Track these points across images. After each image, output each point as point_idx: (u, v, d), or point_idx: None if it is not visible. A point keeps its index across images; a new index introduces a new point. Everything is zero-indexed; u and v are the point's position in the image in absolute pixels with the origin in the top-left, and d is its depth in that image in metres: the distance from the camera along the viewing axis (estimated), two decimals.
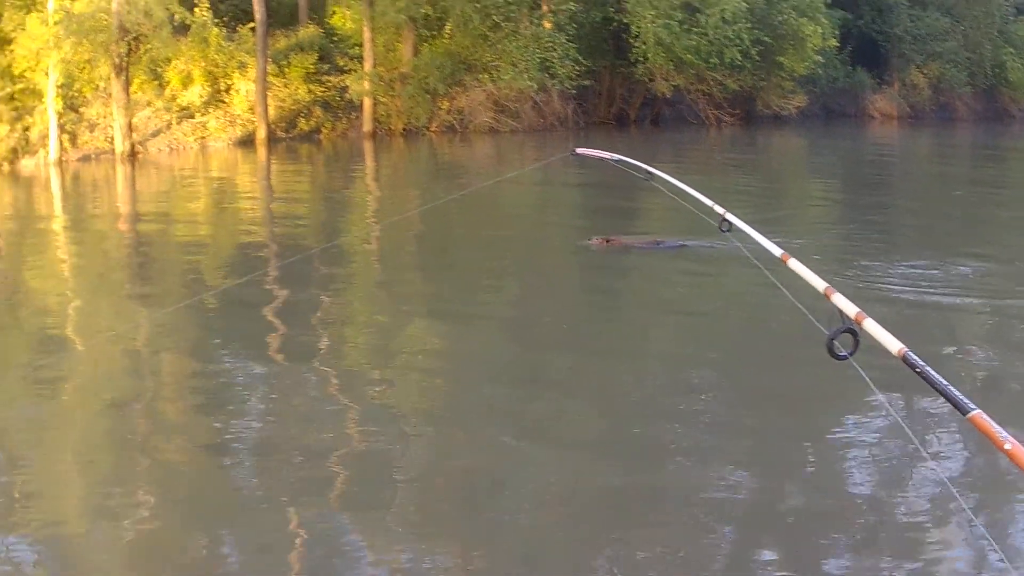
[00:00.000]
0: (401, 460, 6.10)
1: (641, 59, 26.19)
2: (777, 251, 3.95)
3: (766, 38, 25.76)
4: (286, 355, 8.43)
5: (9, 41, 29.07)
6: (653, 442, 6.25)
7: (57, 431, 6.72)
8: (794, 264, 3.64)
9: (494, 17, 26.34)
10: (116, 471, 6.05)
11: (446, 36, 27.83)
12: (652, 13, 25.41)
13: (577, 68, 26.03)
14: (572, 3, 26.72)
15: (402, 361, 8.09)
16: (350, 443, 6.44)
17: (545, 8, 27.26)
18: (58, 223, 19.08)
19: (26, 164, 29.01)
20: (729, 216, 4.55)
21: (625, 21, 26.40)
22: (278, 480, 5.81)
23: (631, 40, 26.42)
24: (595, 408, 6.96)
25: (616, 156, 6.54)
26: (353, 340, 8.92)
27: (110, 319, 9.71)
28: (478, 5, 26.25)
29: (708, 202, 4.96)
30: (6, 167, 28.74)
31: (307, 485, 5.72)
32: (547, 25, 26.72)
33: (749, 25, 25.34)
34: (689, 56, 25.70)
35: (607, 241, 11.98)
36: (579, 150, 7.34)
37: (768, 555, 5.00)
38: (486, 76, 26.57)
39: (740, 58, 25.46)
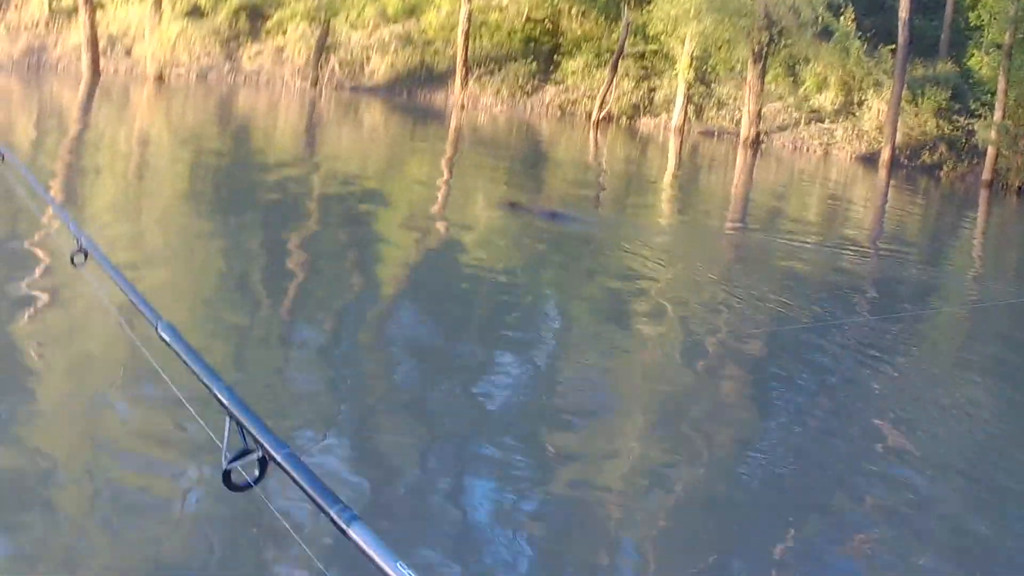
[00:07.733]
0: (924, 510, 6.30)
1: None
2: None
3: None
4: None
5: (648, 1, 31.40)
6: None
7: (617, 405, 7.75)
8: None
9: None
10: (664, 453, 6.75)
11: None
12: None
13: None
14: None
15: (954, 428, 8.05)
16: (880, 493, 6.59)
17: None
18: (666, 190, 20.90)
19: (644, 123, 31.80)
20: None
21: None
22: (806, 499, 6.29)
23: None
24: None
25: None
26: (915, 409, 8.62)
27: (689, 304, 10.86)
28: None
29: None
30: (624, 121, 31.76)
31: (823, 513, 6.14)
32: None
33: None
34: None
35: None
36: None
37: None
38: None
39: None
